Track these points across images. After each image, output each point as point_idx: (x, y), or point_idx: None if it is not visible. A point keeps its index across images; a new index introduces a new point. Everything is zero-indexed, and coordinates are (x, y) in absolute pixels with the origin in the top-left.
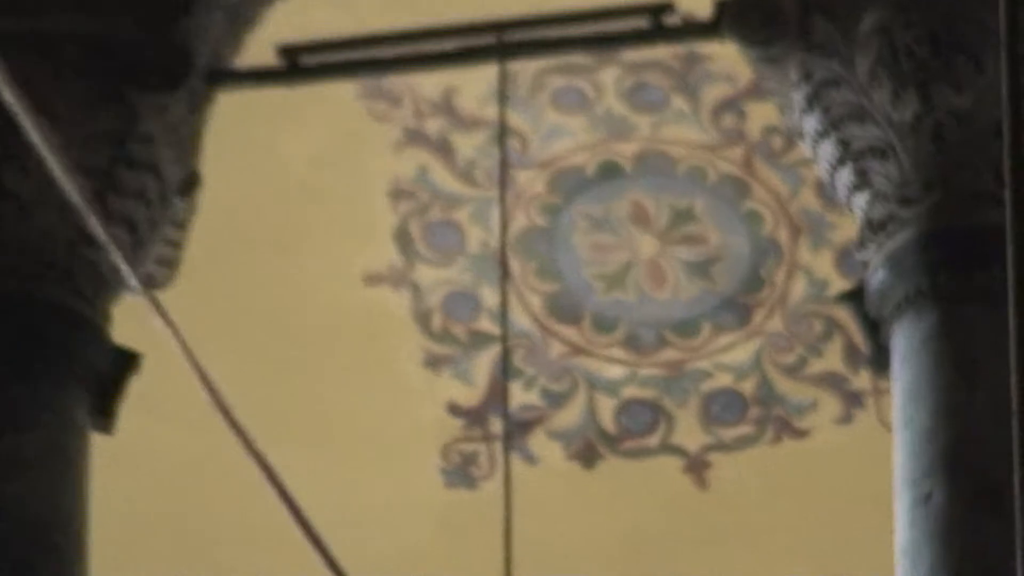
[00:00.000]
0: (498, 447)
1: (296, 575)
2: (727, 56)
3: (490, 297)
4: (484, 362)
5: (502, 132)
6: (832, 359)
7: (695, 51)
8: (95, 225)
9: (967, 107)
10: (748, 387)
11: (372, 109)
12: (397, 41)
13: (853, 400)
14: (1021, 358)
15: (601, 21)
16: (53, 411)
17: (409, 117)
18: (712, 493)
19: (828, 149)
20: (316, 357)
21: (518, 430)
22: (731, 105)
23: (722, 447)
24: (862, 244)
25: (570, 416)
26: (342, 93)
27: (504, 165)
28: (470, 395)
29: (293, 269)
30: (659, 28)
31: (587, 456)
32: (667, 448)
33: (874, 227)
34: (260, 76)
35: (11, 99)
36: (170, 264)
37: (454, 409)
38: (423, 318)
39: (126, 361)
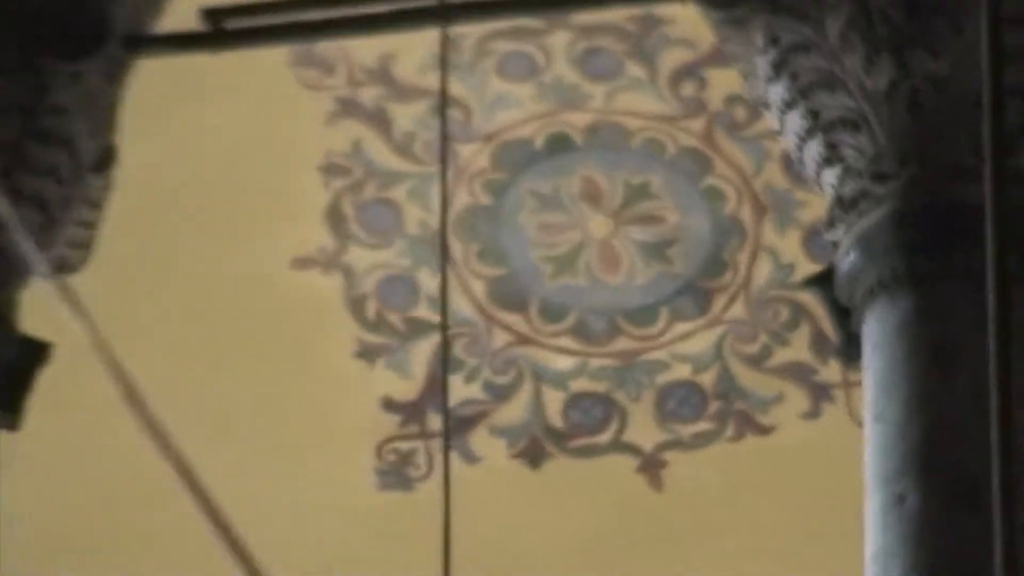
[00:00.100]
0: (437, 445)
1: None
2: (687, 19)
3: (429, 282)
4: (422, 353)
5: (443, 102)
6: (799, 348)
7: (652, 13)
8: (1, 205)
9: (945, 73)
10: (708, 379)
11: (303, 77)
12: (330, 3)
13: (821, 393)
14: (1002, 345)
15: None
16: None
17: (343, 86)
18: (668, 494)
19: (795, 120)
20: (239, 347)
21: (458, 427)
22: (691, 72)
23: (679, 445)
24: (832, 223)
25: (515, 411)
26: (270, 60)
27: (445, 138)
28: (407, 389)
29: (215, 251)
30: None
31: (533, 455)
32: (620, 446)
33: (845, 205)
34: (181, 42)
35: None
36: (84, 246)
37: (389, 404)
38: (356, 305)
39: (35, 352)
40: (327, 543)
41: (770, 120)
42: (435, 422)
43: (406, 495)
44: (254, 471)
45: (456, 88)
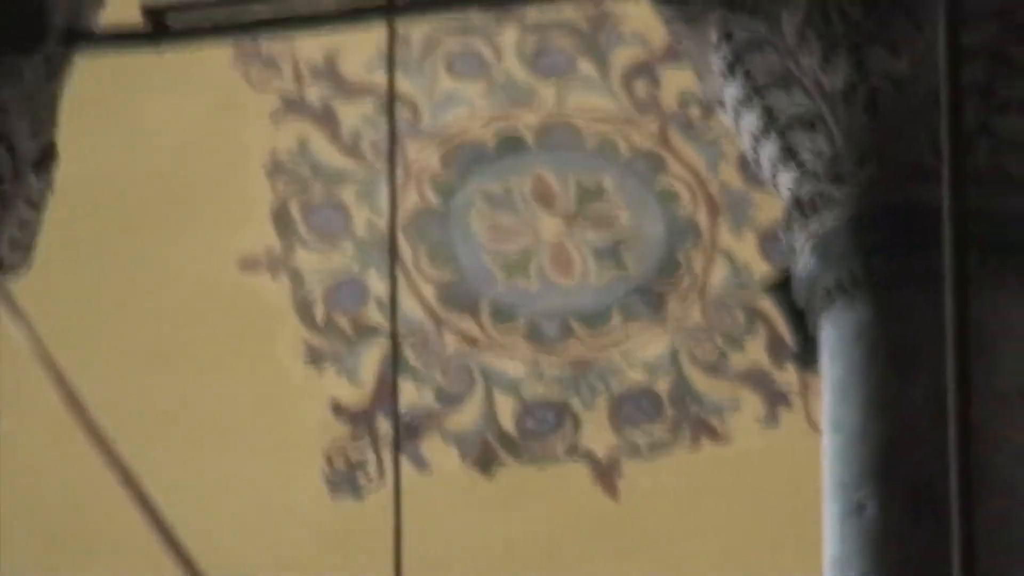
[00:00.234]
0: (387, 452)
1: None
2: (639, 15)
3: (378, 285)
4: (371, 357)
5: (391, 100)
6: (755, 353)
7: (604, 9)
8: None
9: (905, 72)
10: (663, 385)
11: (248, 75)
12: None
13: (778, 399)
14: (961, 348)
15: None
16: None
17: (288, 84)
18: (623, 502)
19: (751, 120)
20: (185, 351)
21: (409, 433)
22: (644, 70)
23: (634, 452)
24: (788, 225)
25: (467, 417)
26: (214, 57)
27: (393, 137)
28: (356, 394)
29: (160, 253)
30: None
31: (485, 462)
32: (574, 453)
33: (802, 206)
34: (123, 38)
35: None
36: (25, 247)
37: (339, 410)
38: (304, 308)
39: None
40: (277, 551)
41: (725, 120)
42: (385, 428)
43: (356, 503)
44: (202, 478)
45: (404, 86)
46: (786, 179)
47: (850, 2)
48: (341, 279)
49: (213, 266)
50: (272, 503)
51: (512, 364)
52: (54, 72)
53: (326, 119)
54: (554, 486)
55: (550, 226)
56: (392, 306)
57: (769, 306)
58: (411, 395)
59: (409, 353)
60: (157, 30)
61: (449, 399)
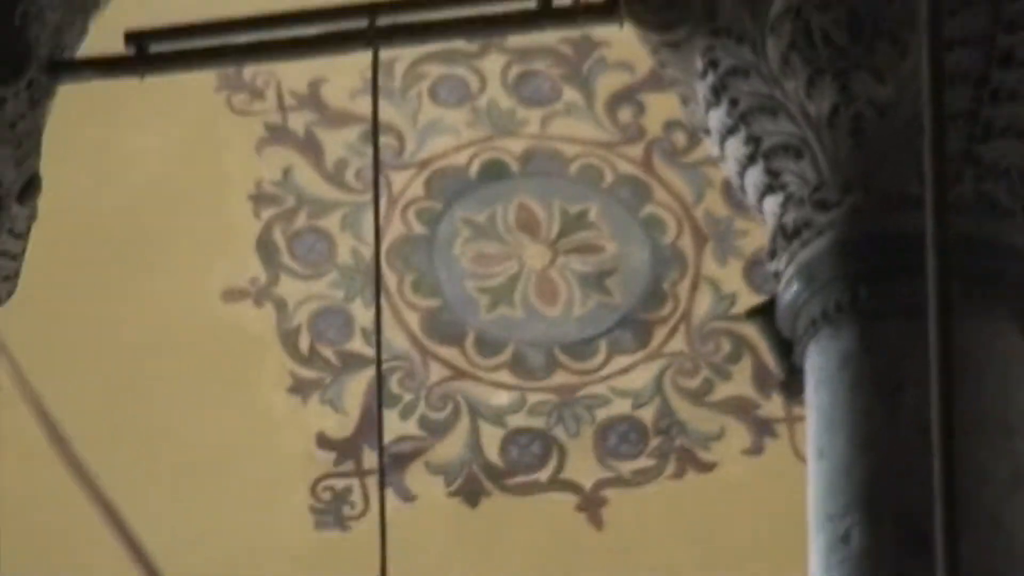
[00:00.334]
0: (372, 483)
1: None
2: (624, 42)
3: (363, 315)
4: (356, 388)
5: (375, 128)
6: (741, 383)
7: (589, 36)
8: None
9: (890, 98)
10: (648, 415)
11: (231, 102)
12: (258, 26)
13: (764, 428)
14: (944, 378)
15: (484, 2)
16: None
17: (272, 111)
18: (608, 533)
19: (736, 146)
20: (169, 382)
21: (394, 464)
22: (629, 97)
23: (619, 482)
24: (774, 253)
25: (452, 448)
26: (198, 85)
27: (378, 165)
28: (341, 425)
29: (144, 283)
30: (549, 10)
31: (471, 492)
32: (559, 483)
33: (787, 234)
34: (106, 65)
35: None
36: (8, 278)
37: (323, 441)
38: (288, 338)
39: None
40: None
41: (710, 146)
42: (371, 459)
43: (341, 534)
44: (186, 510)
45: (388, 114)
46: (771, 206)
47: (835, 28)
48: (326, 308)
49: (196, 296)
50: (257, 534)
51: (497, 394)
52: (37, 101)
53: (310, 147)
54: (539, 516)
55: (534, 254)
56: (377, 336)
57: (754, 334)
58: (396, 426)
59: (394, 383)
60: (140, 57)
61: (434, 430)
